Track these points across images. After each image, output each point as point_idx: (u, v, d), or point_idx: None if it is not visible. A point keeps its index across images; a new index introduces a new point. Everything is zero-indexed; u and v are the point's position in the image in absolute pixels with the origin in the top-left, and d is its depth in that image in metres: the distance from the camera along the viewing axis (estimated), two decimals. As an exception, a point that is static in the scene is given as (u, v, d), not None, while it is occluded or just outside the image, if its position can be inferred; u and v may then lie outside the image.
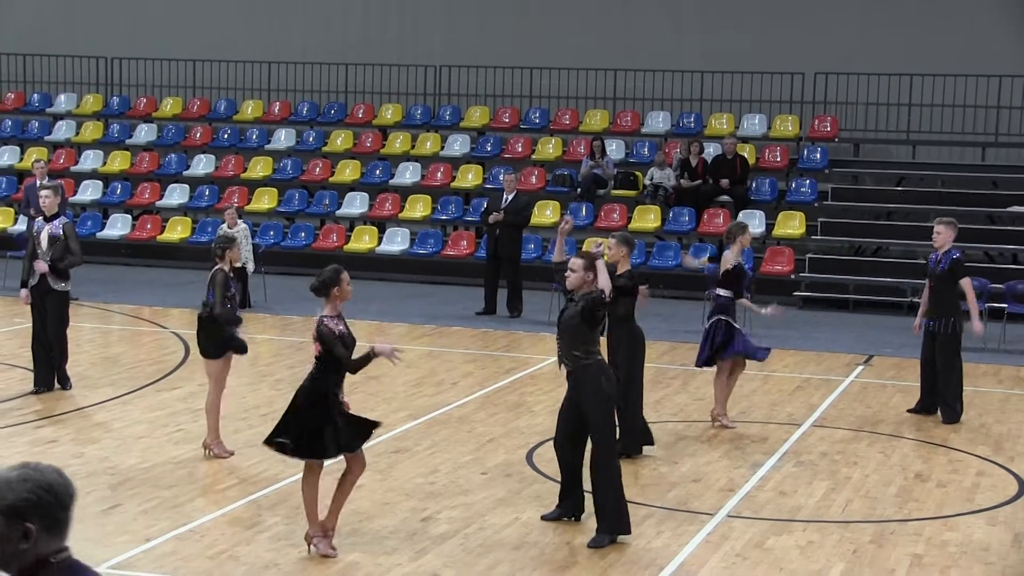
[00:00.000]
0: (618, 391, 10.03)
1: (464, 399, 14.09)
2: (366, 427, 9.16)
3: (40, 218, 13.68)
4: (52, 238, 13.44)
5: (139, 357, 16.11)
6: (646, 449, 11.88)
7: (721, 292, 12.99)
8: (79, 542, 9.45)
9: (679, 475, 11.35)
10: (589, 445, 9.61)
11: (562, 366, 9.59)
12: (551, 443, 12.03)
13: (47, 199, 13.55)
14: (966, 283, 13.50)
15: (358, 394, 13.94)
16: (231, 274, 11.50)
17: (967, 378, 16.07)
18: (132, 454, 11.49)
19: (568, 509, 9.91)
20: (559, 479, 10.01)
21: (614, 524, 9.42)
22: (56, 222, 13.52)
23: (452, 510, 10.15)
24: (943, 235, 13.54)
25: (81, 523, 9.46)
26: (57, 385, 13.75)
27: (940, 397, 13.57)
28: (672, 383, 15.24)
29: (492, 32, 26.05)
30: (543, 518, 9.89)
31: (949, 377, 13.49)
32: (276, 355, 16.40)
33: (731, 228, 13.34)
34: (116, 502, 10.07)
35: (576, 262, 9.50)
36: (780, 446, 12.44)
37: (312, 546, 9.01)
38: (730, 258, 13.01)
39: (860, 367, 16.36)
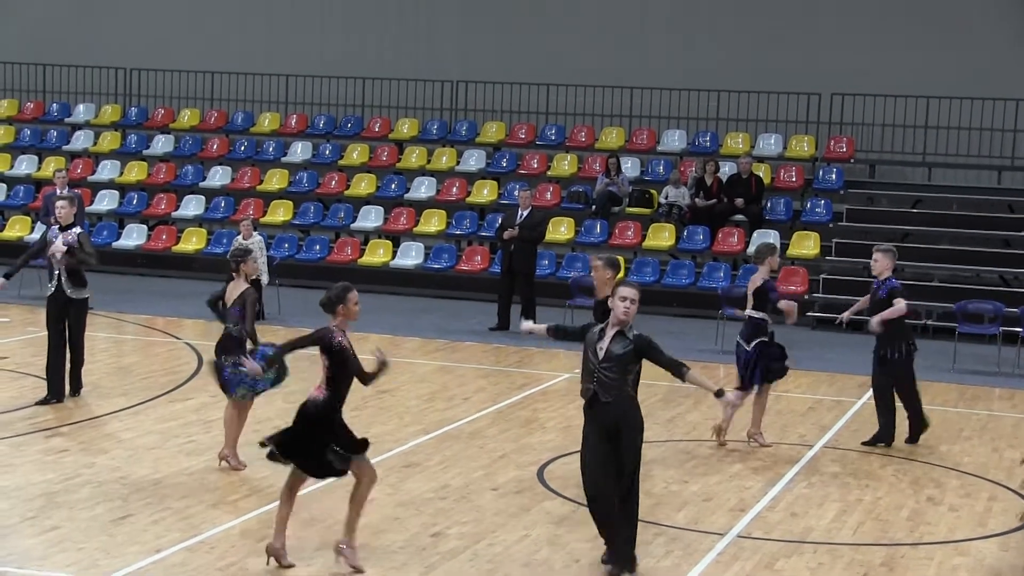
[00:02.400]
0: None
1: (476, 414, 14.08)
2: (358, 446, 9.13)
3: (56, 227, 13.74)
4: (66, 247, 13.51)
5: (152, 367, 16.14)
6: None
7: (755, 314, 13.00)
8: (90, 552, 9.52)
9: (690, 494, 11.33)
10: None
11: (594, 394, 9.04)
12: (562, 460, 12.08)
13: (63, 209, 13.64)
14: (898, 302, 13.24)
15: (369, 408, 13.97)
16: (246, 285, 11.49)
17: (982, 401, 16.11)
18: (144, 464, 11.51)
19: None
20: (596, 517, 9.18)
21: (630, 561, 9.11)
22: (71, 232, 13.60)
23: (462, 526, 10.14)
24: (880, 263, 13.32)
25: (91, 533, 9.52)
26: (68, 389, 13.80)
27: (911, 413, 13.40)
28: (684, 402, 15.22)
29: (508, 48, 26.10)
30: (603, 562, 9.30)
31: (910, 400, 13.36)
32: (290, 367, 16.38)
33: (760, 248, 13.33)
34: (127, 512, 10.09)
35: (634, 292, 9.18)
36: (791, 467, 12.41)
37: (273, 558, 8.94)
38: (758, 280, 13.02)
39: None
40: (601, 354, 9.00)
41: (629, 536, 9.13)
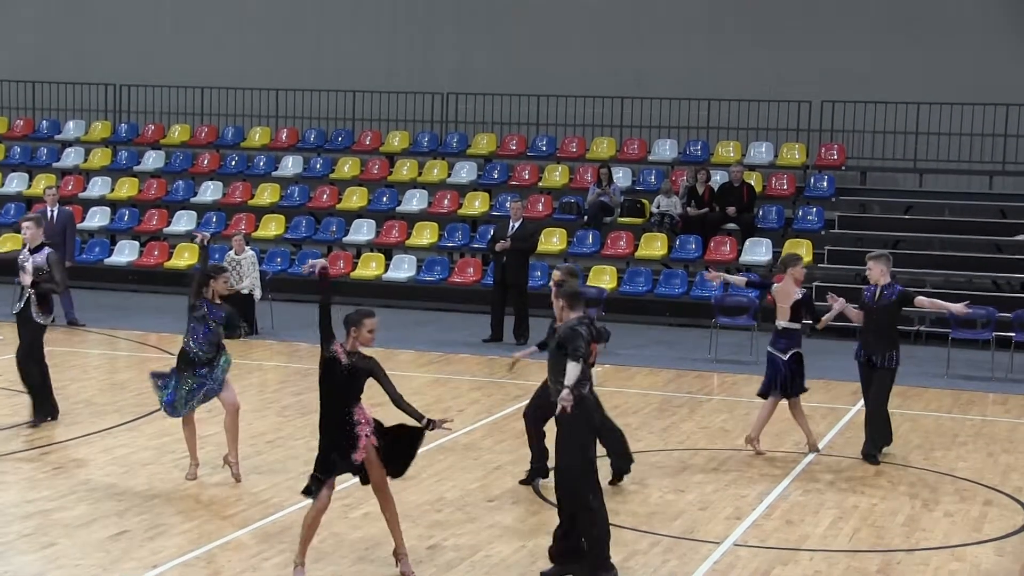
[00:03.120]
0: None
1: (471, 426, 14.08)
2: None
3: (26, 249, 13.49)
4: (37, 269, 13.26)
5: (145, 383, 16.02)
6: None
7: (791, 325, 13.05)
8: (87, 568, 9.50)
9: (685, 503, 11.33)
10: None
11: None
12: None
13: (29, 231, 13.39)
14: (921, 300, 13.23)
15: (365, 421, 13.93)
16: (209, 301, 11.50)
17: (975, 406, 16.13)
18: (139, 480, 11.50)
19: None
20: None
21: (591, 569, 9.04)
22: (41, 253, 13.35)
23: (458, 537, 10.14)
24: (874, 271, 13.22)
25: (88, 549, 9.51)
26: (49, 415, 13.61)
27: (879, 423, 13.12)
28: (679, 411, 15.23)
29: (499, 60, 26.13)
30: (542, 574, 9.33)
31: (879, 410, 13.12)
32: (283, 382, 16.40)
33: (783, 258, 13.43)
34: (123, 528, 10.08)
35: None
36: (787, 474, 12.42)
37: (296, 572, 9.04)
38: (790, 291, 13.04)
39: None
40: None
41: (589, 548, 9.03)
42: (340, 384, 8.97)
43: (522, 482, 11.65)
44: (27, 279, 13.31)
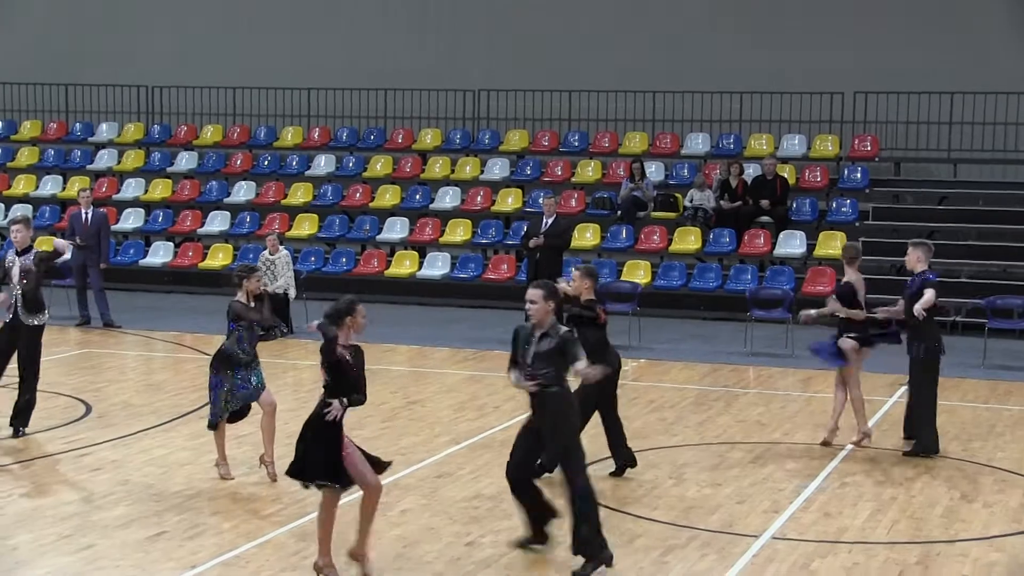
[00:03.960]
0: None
1: (506, 423, 14.07)
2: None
3: (12, 251, 13.13)
4: (23, 272, 12.95)
5: (182, 384, 16.18)
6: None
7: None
8: (125, 568, 9.53)
9: (723, 497, 11.30)
10: (558, 474, 9.45)
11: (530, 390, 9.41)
12: (592, 467, 12.01)
13: (18, 233, 13.00)
14: (927, 291, 12.99)
15: (400, 419, 13.99)
16: (251, 303, 11.64)
17: (1013, 396, 16.00)
18: (176, 481, 11.55)
19: (537, 536, 9.65)
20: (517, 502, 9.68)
21: (593, 552, 9.17)
22: (27, 255, 13.02)
23: (496, 534, 10.14)
24: (911, 257, 12.96)
25: (127, 550, 9.56)
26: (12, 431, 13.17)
27: (921, 421, 12.93)
28: (715, 405, 15.19)
29: (530, 56, 26.11)
30: (522, 545, 9.63)
31: (920, 401, 12.97)
32: (318, 381, 16.36)
33: (845, 249, 13.48)
34: (161, 528, 10.12)
35: (535, 292, 9.62)
36: (824, 467, 12.37)
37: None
38: (859, 281, 13.11)
39: (903, 387, 16.15)
40: (531, 353, 9.51)
41: (581, 529, 9.15)
42: (346, 372, 9.12)
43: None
44: (15, 280, 12.93)
